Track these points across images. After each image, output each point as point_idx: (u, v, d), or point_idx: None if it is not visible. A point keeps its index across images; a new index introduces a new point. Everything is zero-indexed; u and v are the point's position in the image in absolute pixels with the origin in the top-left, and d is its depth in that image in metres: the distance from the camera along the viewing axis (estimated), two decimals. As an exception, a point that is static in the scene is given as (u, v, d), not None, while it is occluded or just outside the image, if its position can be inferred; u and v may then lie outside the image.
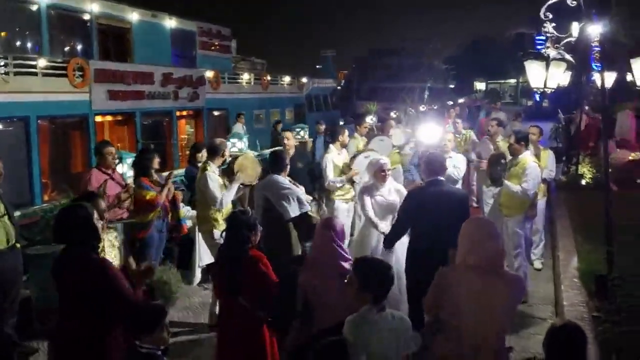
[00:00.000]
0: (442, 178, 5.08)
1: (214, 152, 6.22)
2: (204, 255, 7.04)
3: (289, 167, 5.69)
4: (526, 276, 6.40)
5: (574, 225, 8.70)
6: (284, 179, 5.38)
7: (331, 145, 7.68)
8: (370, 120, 13.55)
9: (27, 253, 5.76)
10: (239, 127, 17.23)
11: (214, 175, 6.05)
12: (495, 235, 3.38)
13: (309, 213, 5.37)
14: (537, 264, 7.60)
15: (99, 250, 3.60)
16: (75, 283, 3.35)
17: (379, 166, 6.01)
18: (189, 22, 19.35)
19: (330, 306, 3.66)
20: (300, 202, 5.29)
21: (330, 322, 3.37)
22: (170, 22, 18.05)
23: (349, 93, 44.08)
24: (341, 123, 15.99)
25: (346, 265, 3.82)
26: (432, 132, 8.15)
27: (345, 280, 3.46)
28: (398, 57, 49.33)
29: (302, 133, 18.64)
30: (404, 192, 5.95)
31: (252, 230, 3.94)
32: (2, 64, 11.44)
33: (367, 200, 5.91)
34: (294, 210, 5.20)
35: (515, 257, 6.24)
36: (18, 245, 5.37)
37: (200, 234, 7.14)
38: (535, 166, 6.32)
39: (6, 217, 5.34)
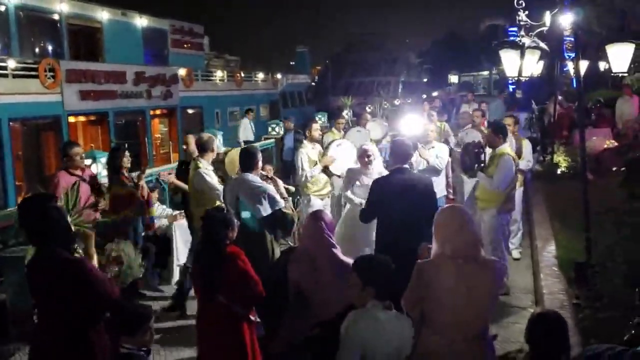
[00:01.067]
0: (406, 166, 5.08)
1: (204, 148, 6.11)
2: (181, 254, 6.96)
3: (260, 163, 5.52)
4: (506, 269, 6.40)
5: (551, 214, 8.79)
6: (254, 177, 5.25)
7: (305, 141, 7.60)
8: (345, 114, 13.51)
9: (2, 255, 5.63)
10: (245, 123, 17.10)
11: (208, 171, 5.91)
12: (470, 222, 3.32)
13: (284, 210, 5.26)
14: (516, 254, 7.64)
15: (74, 250, 3.50)
16: (51, 285, 3.26)
17: (362, 151, 6.09)
18: (161, 21, 19.11)
19: (324, 297, 3.65)
20: (272, 199, 5.15)
21: (325, 313, 3.34)
22: (141, 21, 17.79)
23: (323, 88, 44.05)
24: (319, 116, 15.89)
25: (337, 252, 3.87)
26: (413, 124, 8.13)
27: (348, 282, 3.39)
28: (372, 51, 49.46)
29: (277, 129, 18.54)
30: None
31: (229, 226, 3.89)
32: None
33: (349, 184, 6.09)
34: (265, 209, 5.09)
35: (493, 250, 6.20)
36: None
37: (177, 232, 7.07)
38: (508, 159, 6.16)
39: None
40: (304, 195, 7.38)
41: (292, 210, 5.73)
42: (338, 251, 3.94)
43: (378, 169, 6.21)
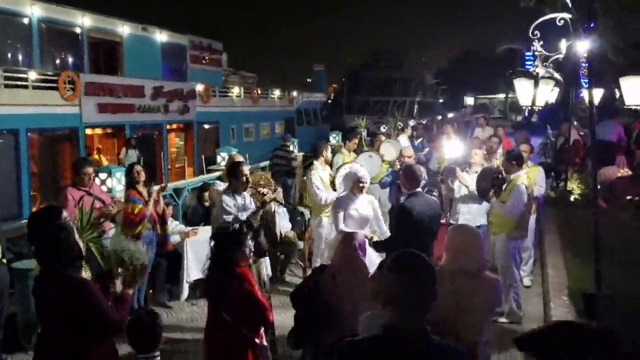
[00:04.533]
0: (419, 189, 5.33)
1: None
2: (191, 271, 6.99)
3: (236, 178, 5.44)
4: (518, 296, 6.39)
5: (563, 242, 8.71)
6: (220, 184, 5.18)
7: (315, 162, 7.55)
8: (359, 134, 13.51)
9: (14, 267, 5.69)
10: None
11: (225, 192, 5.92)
12: (481, 245, 3.61)
13: (250, 219, 5.13)
14: (527, 281, 7.58)
15: (80, 268, 3.51)
16: (56, 302, 3.28)
17: (357, 177, 5.98)
18: (180, 36, 19.41)
19: (354, 313, 3.71)
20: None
21: (355, 328, 3.38)
22: (161, 36, 18.08)
23: (338, 107, 44.26)
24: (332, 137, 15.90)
25: (368, 271, 4.00)
26: (456, 147, 8.19)
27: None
28: (388, 70, 49.67)
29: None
30: (377, 204, 6.07)
31: (239, 245, 3.90)
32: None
33: (340, 215, 5.88)
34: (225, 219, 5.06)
35: (502, 275, 6.20)
36: (4, 260, 5.32)
37: (189, 248, 7.11)
38: (521, 187, 6.25)
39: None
40: (315, 216, 7.39)
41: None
42: (368, 270, 4.05)
43: (365, 195, 6.05)
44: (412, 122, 24.69)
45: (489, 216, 6.75)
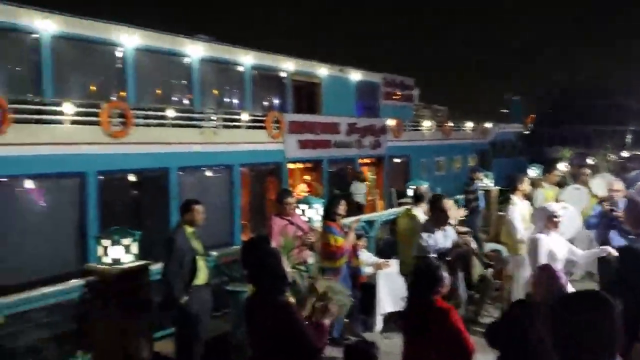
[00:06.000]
0: None
1: (420, 198, 6.26)
2: (385, 303, 7.01)
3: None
4: None
5: None
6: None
7: (512, 196, 7.17)
8: (564, 167, 12.49)
9: (228, 289, 6.29)
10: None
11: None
12: None
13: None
14: None
15: (286, 292, 3.71)
16: (264, 325, 3.50)
17: (550, 212, 5.51)
18: (374, 75, 20.14)
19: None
20: None
21: None
22: (356, 75, 18.94)
23: (537, 138, 41.55)
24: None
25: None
26: None
27: None
28: (594, 99, 45.43)
29: (485, 180, 17.84)
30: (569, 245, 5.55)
31: (439, 280, 3.82)
32: (214, 118, 13.00)
33: (541, 251, 5.39)
34: None
35: None
36: (209, 283, 5.99)
37: (382, 280, 7.16)
38: None
39: (204, 257, 6.00)
40: (512, 253, 6.97)
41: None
42: None
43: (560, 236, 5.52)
44: (625, 154, 22.14)
45: None
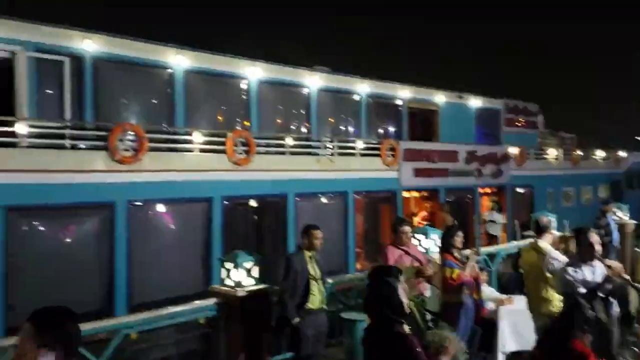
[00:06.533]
0: None
1: (543, 229, 5.94)
2: (507, 341, 6.63)
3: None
4: None
5: None
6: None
7: None
8: None
9: (343, 317, 6.27)
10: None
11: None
12: None
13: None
14: None
15: (403, 325, 3.62)
16: (381, 356, 3.43)
17: None
18: (495, 101, 19.48)
19: None
20: None
21: None
22: (476, 102, 18.44)
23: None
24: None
25: None
26: None
27: None
28: None
29: (618, 213, 16.54)
30: None
31: (584, 321, 3.52)
32: (330, 146, 13.25)
33: None
34: None
35: None
36: (325, 307, 5.98)
37: (504, 316, 6.78)
38: None
39: (321, 282, 6.06)
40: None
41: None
42: None
43: None
44: None
45: None
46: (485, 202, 18.41)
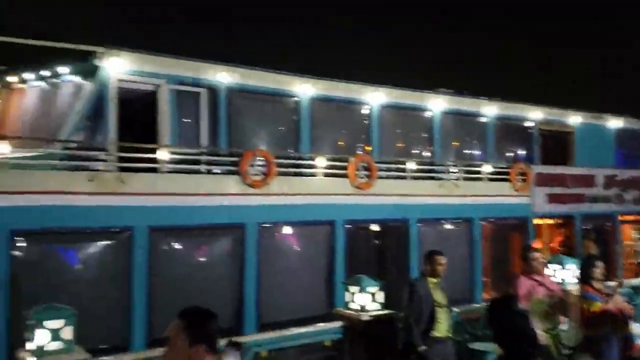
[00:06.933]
0: None
1: None
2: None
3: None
4: None
5: None
6: None
7: None
8: None
9: (472, 347, 6.03)
10: None
11: None
12: None
13: None
14: None
15: (537, 357, 3.44)
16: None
17: None
18: (638, 121, 17.92)
19: None
20: None
21: None
22: (616, 122, 17.09)
23: None
24: None
25: None
26: None
27: None
28: None
29: None
30: None
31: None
32: (455, 170, 12.93)
33: None
34: None
35: None
36: (451, 335, 5.77)
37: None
38: None
39: (447, 309, 5.88)
40: None
41: None
42: None
43: None
44: None
45: None
46: (627, 230, 16.88)
